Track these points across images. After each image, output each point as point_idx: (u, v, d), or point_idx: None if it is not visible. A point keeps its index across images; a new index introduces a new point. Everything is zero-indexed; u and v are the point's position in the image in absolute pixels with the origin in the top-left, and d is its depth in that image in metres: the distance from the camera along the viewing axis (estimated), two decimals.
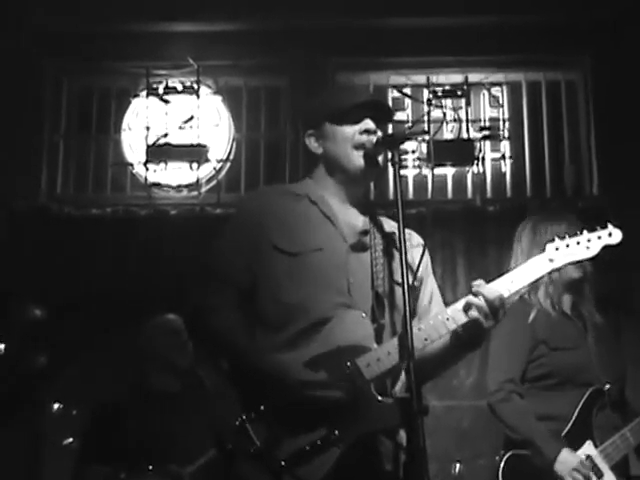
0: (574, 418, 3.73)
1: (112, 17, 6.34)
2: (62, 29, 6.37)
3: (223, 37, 6.46)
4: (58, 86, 6.69)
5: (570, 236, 2.79)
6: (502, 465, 3.70)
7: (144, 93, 6.50)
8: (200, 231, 6.00)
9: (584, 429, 3.73)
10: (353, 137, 2.83)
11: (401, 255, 2.57)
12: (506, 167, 6.54)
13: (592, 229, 2.80)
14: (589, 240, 2.78)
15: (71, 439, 4.50)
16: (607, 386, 3.79)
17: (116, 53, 6.45)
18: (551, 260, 2.76)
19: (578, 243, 2.78)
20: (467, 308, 2.65)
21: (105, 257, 5.98)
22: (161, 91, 6.44)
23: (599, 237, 2.79)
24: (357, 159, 2.83)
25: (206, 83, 6.57)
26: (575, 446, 3.68)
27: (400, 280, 2.60)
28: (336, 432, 2.53)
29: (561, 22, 6.31)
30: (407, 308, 2.51)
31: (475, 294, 2.63)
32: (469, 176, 6.48)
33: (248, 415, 2.55)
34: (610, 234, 2.79)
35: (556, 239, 2.79)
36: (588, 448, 3.69)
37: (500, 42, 6.36)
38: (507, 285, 2.71)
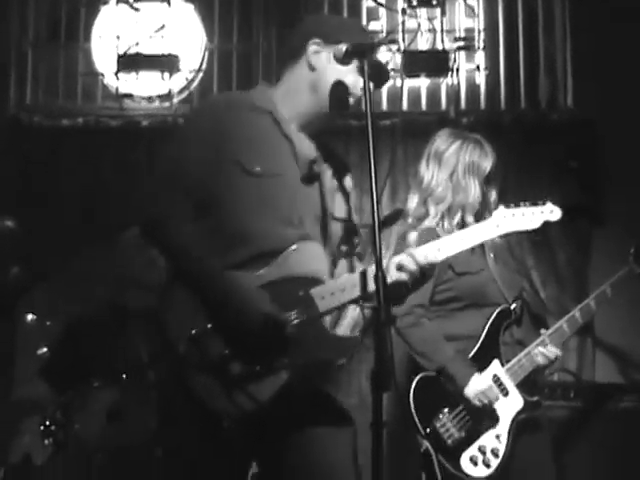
0: (482, 337, 3.80)
1: None
2: None
3: None
4: None
5: (516, 205, 3.02)
6: (413, 387, 3.72)
7: (114, 1, 6.35)
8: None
9: (491, 348, 3.80)
10: None
11: (370, 175, 2.48)
12: (480, 78, 6.48)
13: (534, 204, 3.04)
14: (533, 213, 3.02)
15: (45, 349, 4.54)
16: (513, 305, 3.86)
17: None
18: (497, 226, 2.97)
19: (523, 214, 3.02)
20: (399, 268, 2.65)
21: (76, 168, 5.93)
22: None
23: (542, 212, 3.04)
24: None
25: None
26: (483, 365, 3.76)
27: (340, 216, 2.72)
28: (285, 360, 2.55)
29: None
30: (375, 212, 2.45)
31: (410, 256, 2.65)
32: (443, 87, 6.42)
33: (203, 327, 2.55)
34: (551, 211, 3.03)
35: (502, 207, 3.01)
36: (495, 367, 3.77)
37: None
38: (452, 245, 2.79)
